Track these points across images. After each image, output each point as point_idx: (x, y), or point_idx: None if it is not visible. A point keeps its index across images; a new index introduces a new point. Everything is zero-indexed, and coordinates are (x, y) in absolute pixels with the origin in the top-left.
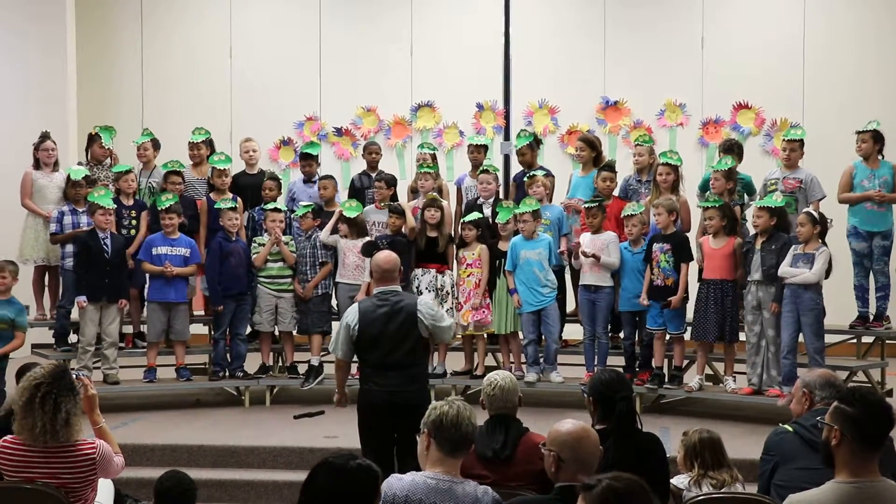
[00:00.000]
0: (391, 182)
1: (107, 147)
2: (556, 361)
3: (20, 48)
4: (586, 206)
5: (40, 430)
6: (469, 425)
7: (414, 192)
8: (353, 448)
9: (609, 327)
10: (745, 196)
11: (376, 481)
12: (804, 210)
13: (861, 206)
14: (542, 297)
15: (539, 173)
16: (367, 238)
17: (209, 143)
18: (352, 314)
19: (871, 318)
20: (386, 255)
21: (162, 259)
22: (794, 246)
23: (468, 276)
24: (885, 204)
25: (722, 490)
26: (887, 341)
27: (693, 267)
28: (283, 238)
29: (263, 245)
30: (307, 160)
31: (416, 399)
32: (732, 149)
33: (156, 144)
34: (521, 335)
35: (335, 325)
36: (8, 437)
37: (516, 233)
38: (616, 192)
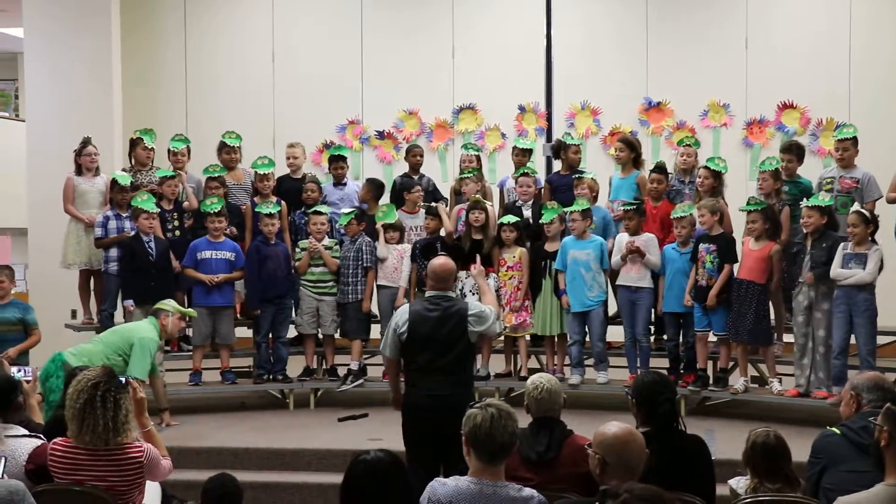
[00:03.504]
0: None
1: (150, 148)
2: (605, 362)
3: (66, 56)
4: (623, 208)
5: (103, 428)
6: (504, 434)
7: (457, 193)
8: (397, 450)
9: (653, 329)
10: (806, 199)
11: (402, 469)
12: (854, 209)
13: None
14: (588, 300)
15: (587, 175)
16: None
17: (189, 151)
18: (401, 316)
19: None
20: (442, 262)
21: (207, 263)
22: (842, 244)
23: (509, 278)
24: None
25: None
26: None
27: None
28: (327, 242)
29: (306, 250)
30: (337, 162)
31: (461, 402)
32: (791, 149)
33: (189, 150)
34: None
35: (375, 328)
36: (59, 440)
37: (562, 234)
38: None
